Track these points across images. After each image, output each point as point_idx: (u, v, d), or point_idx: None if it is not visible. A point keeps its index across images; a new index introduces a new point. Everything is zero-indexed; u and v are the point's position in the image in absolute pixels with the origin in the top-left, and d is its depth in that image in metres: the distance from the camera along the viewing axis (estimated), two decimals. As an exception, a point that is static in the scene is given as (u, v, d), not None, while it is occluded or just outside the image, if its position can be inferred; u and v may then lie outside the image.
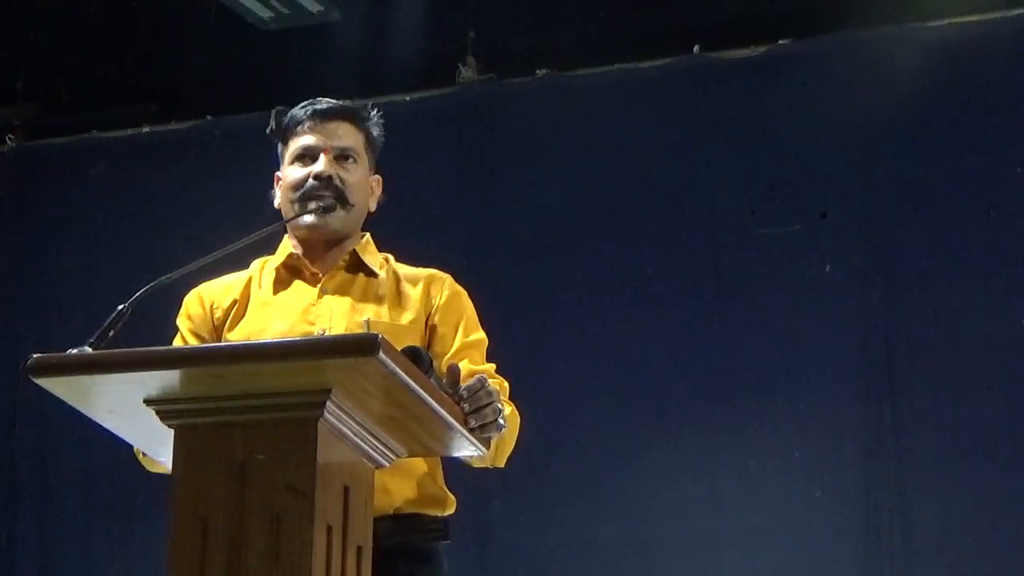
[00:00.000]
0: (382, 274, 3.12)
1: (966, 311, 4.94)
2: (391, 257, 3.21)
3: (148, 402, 2.43)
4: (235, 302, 3.11)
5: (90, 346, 2.61)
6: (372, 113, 3.23)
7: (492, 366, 3.09)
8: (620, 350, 5.19)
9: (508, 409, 2.91)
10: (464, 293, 3.16)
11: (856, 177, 5.14)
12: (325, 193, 3.08)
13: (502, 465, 3.03)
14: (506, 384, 3.02)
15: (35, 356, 2.44)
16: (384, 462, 2.58)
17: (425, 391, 2.46)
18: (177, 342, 3.12)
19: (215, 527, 2.35)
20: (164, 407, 2.43)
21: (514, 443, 3.01)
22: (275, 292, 3.11)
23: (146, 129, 6.00)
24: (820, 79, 5.22)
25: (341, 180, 3.10)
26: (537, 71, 5.57)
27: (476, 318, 3.15)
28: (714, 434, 5.08)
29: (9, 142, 6.15)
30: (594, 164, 5.41)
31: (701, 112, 5.35)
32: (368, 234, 3.22)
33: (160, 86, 6.08)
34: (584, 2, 5.62)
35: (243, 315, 3.09)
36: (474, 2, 5.69)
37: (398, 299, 3.08)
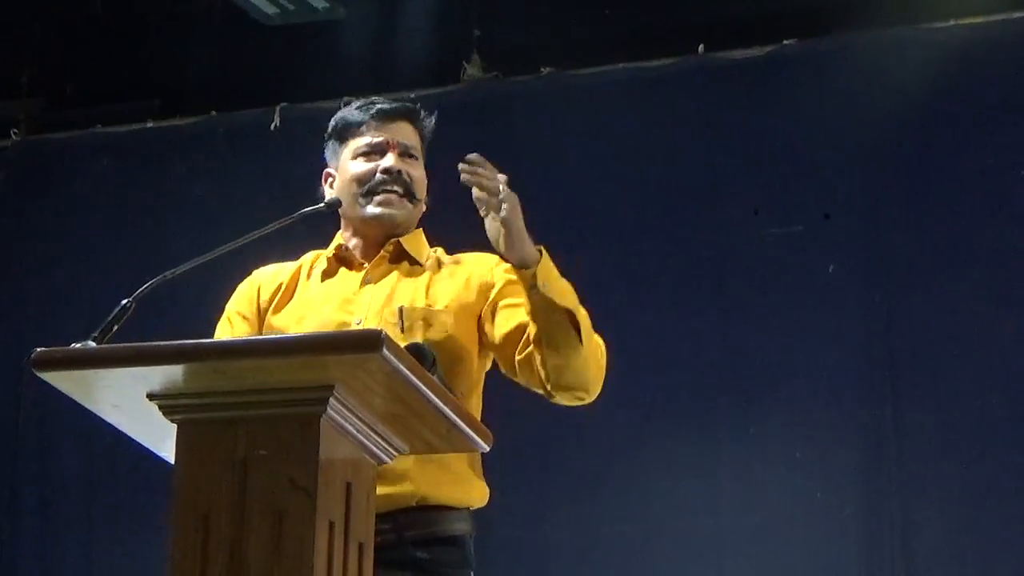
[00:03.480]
0: (424, 262, 3.16)
1: (969, 313, 4.94)
2: (440, 250, 3.25)
3: (151, 397, 2.43)
4: (280, 286, 3.16)
5: (94, 340, 2.61)
6: (423, 113, 3.31)
7: None
8: (622, 349, 5.12)
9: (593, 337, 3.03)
10: None
11: (860, 178, 5.14)
12: (394, 187, 3.16)
13: (587, 391, 3.05)
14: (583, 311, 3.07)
15: (39, 350, 2.44)
16: (386, 458, 2.58)
17: (428, 388, 2.46)
18: (222, 322, 3.17)
19: (217, 523, 2.35)
20: (167, 402, 2.43)
21: (596, 370, 3.06)
22: (322, 282, 3.16)
23: (150, 125, 6.01)
24: (825, 80, 5.22)
25: (408, 175, 3.18)
26: (542, 69, 5.56)
27: None
28: (715, 434, 5.08)
29: (14, 136, 6.16)
30: (598, 163, 5.41)
31: (705, 112, 5.35)
32: (420, 229, 3.26)
33: (165, 82, 6.08)
34: (589, 1, 5.61)
35: (287, 302, 3.14)
36: (479, 0, 5.69)
37: (437, 284, 3.11)
